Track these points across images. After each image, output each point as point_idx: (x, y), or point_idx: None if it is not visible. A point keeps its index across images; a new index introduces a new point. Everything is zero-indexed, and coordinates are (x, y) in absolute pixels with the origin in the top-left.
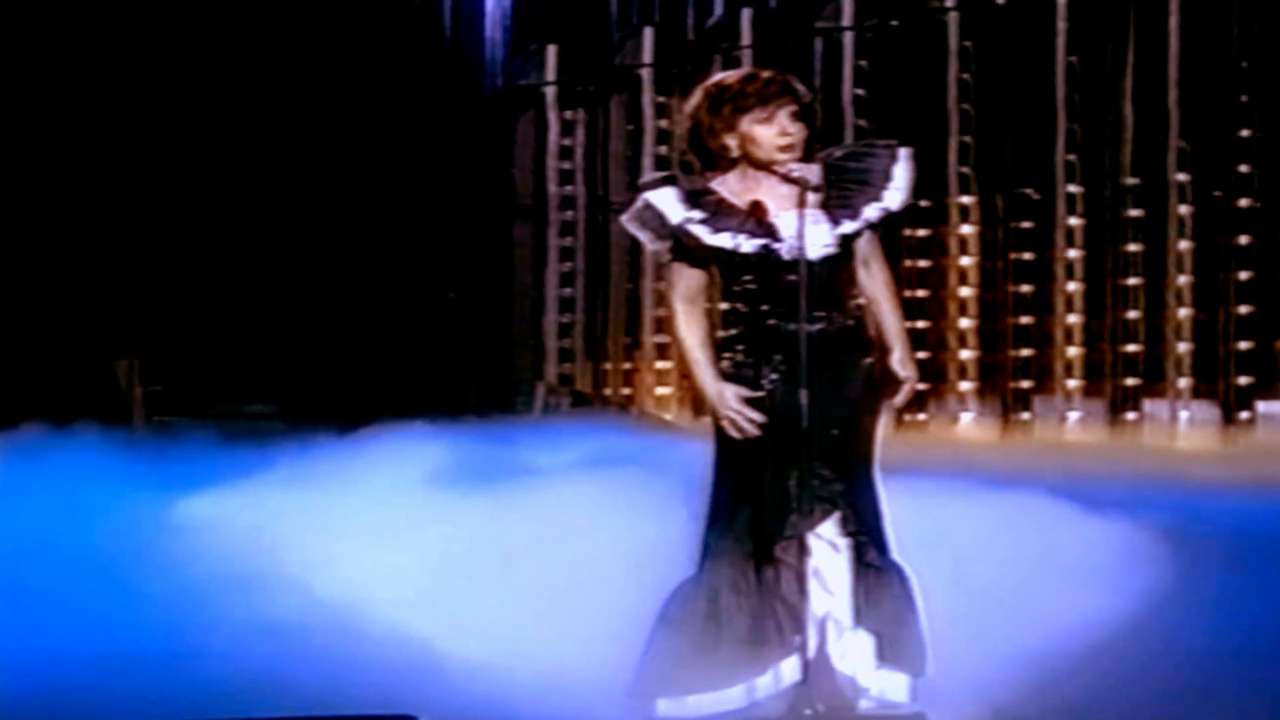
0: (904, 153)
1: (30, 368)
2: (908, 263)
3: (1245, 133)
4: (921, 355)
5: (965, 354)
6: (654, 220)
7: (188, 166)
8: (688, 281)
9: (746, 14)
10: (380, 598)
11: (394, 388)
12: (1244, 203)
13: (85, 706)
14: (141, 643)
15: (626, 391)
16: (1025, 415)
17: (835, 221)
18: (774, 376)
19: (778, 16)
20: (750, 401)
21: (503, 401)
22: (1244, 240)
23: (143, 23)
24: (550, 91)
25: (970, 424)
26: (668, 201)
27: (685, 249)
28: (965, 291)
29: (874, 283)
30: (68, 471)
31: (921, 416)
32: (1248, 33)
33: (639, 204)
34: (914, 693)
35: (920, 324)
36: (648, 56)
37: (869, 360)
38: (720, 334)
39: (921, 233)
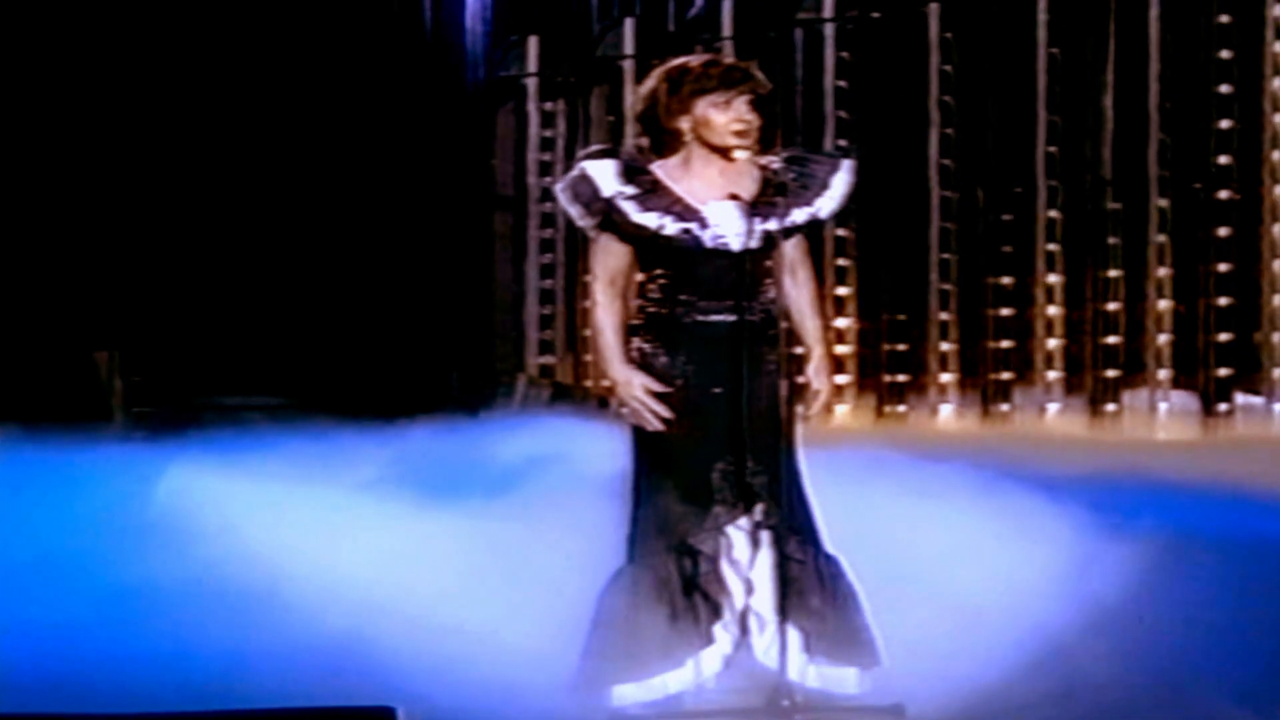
0: (846, 164)
1: (7, 361)
2: (887, 255)
3: (1225, 125)
4: (901, 348)
5: (945, 346)
6: (587, 191)
7: (166, 158)
8: (610, 263)
9: (727, 5)
10: (359, 592)
11: (374, 379)
12: (1224, 195)
13: (69, 703)
14: (121, 638)
15: (606, 383)
16: (1005, 407)
17: (763, 217)
18: (687, 366)
19: (758, 8)
20: (660, 393)
21: (483, 393)
22: (1223, 232)
23: (117, 11)
24: (531, 83)
25: (950, 416)
26: (603, 173)
27: (612, 224)
28: (946, 284)
29: (800, 291)
30: (48, 467)
31: (902, 408)
32: (1227, 25)
33: (575, 173)
34: (863, 685)
35: (900, 317)
36: (629, 48)
37: (779, 354)
38: (633, 320)
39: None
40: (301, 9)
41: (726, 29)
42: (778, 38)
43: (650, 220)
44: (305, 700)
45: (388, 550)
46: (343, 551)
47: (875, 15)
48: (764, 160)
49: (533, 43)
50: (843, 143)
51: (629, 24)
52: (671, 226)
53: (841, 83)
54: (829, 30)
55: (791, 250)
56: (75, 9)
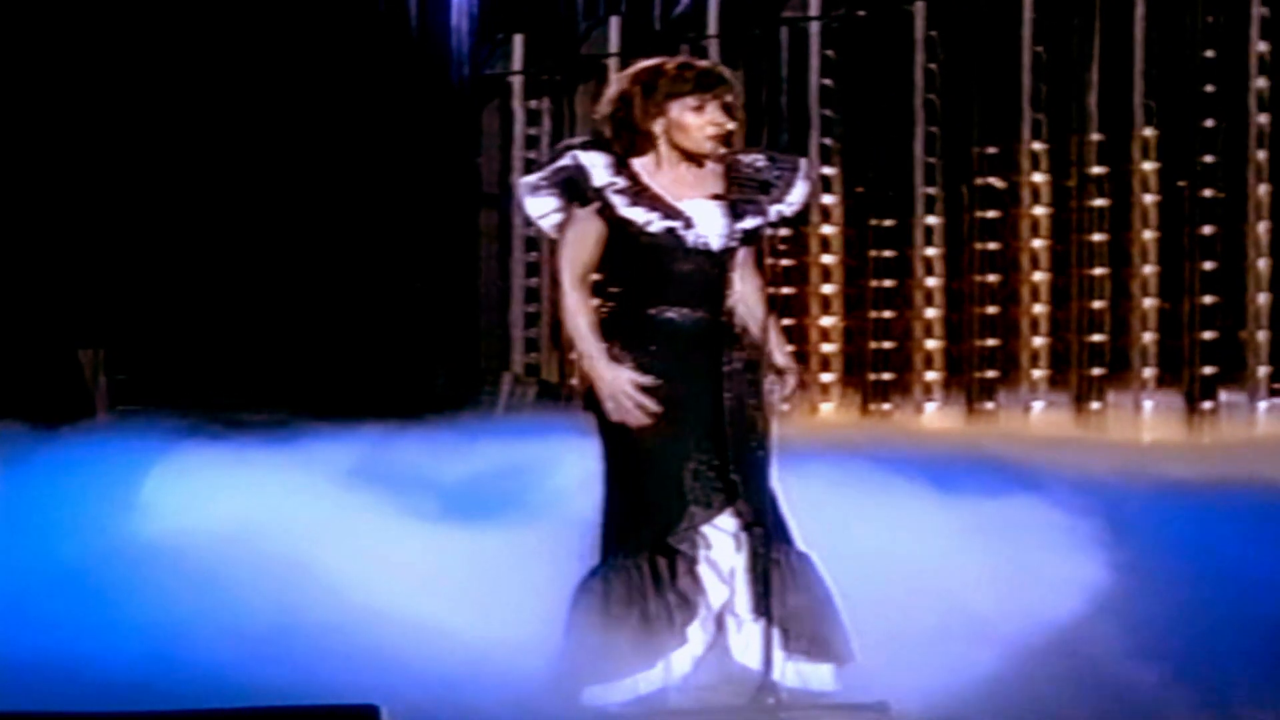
0: (804, 163)
1: None
2: (873, 253)
3: (1209, 123)
4: (887, 345)
5: (931, 344)
6: (579, 179)
7: (153, 157)
8: (582, 258)
9: (713, 3)
10: (344, 591)
11: (359, 377)
12: (1208, 193)
13: (56, 701)
14: (106, 637)
15: (591, 382)
16: (990, 405)
17: (739, 216)
18: (658, 364)
19: (744, 6)
20: (644, 389)
21: (469, 392)
22: (1208, 231)
23: (108, 9)
24: (516, 81)
25: (935, 414)
26: (595, 164)
27: (593, 218)
28: (931, 281)
29: (749, 286)
30: (31, 463)
31: (886, 406)
32: (1211, 24)
33: (566, 160)
34: (839, 681)
35: (886, 314)
36: (614, 46)
37: (747, 353)
38: (601, 318)
39: (888, 223)
40: (289, 8)
41: (712, 27)
42: (763, 36)
43: (638, 216)
44: (289, 698)
45: (372, 550)
46: (327, 551)
47: (860, 14)
48: (728, 160)
49: (518, 41)
50: (828, 141)
51: (614, 22)
52: (657, 224)
53: (827, 81)
54: (814, 28)
55: (746, 249)
56: (64, 7)
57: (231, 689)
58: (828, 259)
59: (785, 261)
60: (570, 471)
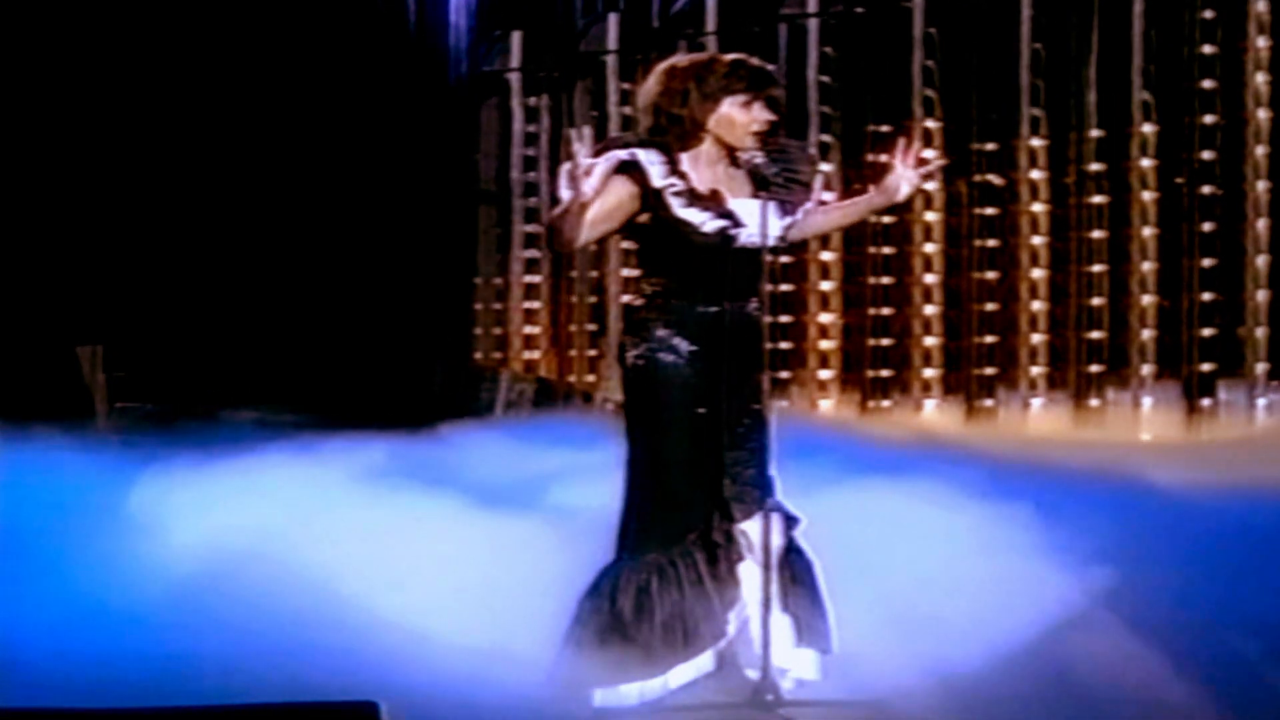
0: (814, 150)
1: None
2: (872, 249)
3: (1208, 120)
4: (886, 342)
5: (930, 341)
6: (637, 177)
7: (152, 154)
8: (605, 223)
9: (711, 0)
10: (342, 589)
11: (358, 376)
12: (1207, 190)
13: (50, 699)
14: (107, 635)
15: (590, 379)
16: (989, 402)
17: (782, 214)
18: (700, 359)
19: (743, 3)
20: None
21: (467, 391)
22: (1207, 228)
23: (108, 8)
24: (515, 78)
25: (934, 410)
26: (654, 163)
27: (633, 199)
28: (930, 278)
29: (813, 220)
30: (28, 461)
31: (885, 404)
32: (1210, 20)
33: (623, 154)
34: (823, 670)
35: (885, 311)
36: (612, 43)
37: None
38: (643, 314)
39: (886, 219)
40: (287, 6)
41: (710, 24)
42: (761, 33)
43: (693, 216)
44: (288, 695)
45: (371, 548)
46: (324, 550)
47: (859, 10)
48: (745, 156)
49: (516, 38)
50: (826, 138)
51: (612, 19)
52: (710, 225)
53: (825, 78)
54: (813, 25)
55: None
56: (64, 7)
57: (231, 686)
58: (826, 255)
59: (784, 258)
60: (571, 471)
